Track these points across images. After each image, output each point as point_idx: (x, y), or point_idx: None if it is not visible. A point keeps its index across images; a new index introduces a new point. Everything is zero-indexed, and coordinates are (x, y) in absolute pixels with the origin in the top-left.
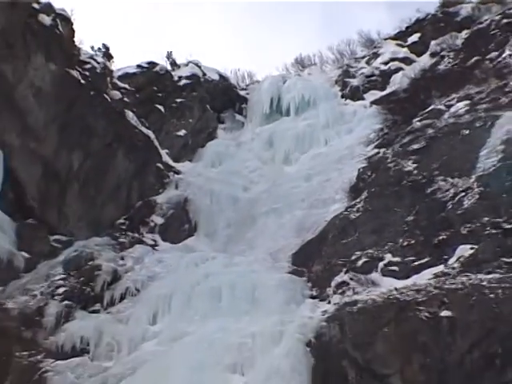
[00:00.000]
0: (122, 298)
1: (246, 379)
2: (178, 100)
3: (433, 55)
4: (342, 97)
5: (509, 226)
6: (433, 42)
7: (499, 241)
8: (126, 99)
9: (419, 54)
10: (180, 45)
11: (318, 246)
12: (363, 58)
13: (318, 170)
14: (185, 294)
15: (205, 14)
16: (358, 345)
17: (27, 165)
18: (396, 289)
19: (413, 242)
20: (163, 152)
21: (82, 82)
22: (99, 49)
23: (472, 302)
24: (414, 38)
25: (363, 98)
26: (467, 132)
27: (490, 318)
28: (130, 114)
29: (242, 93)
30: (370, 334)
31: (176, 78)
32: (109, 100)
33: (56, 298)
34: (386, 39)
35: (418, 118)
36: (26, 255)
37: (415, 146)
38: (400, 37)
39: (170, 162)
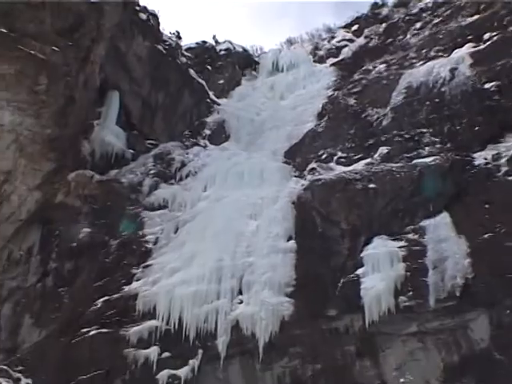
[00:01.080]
0: (187, 176)
1: (257, 223)
2: (219, 63)
3: (366, 38)
4: (314, 61)
5: (408, 136)
6: (366, 30)
7: (402, 145)
8: (189, 62)
9: (358, 37)
10: (221, 29)
11: (299, 148)
12: (325, 39)
13: (300, 104)
14: (223, 175)
15: (235, 13)
16: (321, 203)
17: (133, 100)
18: (344, 172)
19: (353, 145)
20: (210, 93)
21: (164, 52)
22: (174, 33)
23: (387, 179)
24: (355, 27)
25: (326, 62)
26: (385, 82)
27: (396, 188)
28: (191, 71)
29: (256, 59)
30: (328, 197)
31: (218, 50)
32: (179, 63)
33: (149, 176)
34: (339, 28)
35: (357, 74)
36: (132, 151)
37: (355, 90)
38: (347, 27)
39: (214, 99)
